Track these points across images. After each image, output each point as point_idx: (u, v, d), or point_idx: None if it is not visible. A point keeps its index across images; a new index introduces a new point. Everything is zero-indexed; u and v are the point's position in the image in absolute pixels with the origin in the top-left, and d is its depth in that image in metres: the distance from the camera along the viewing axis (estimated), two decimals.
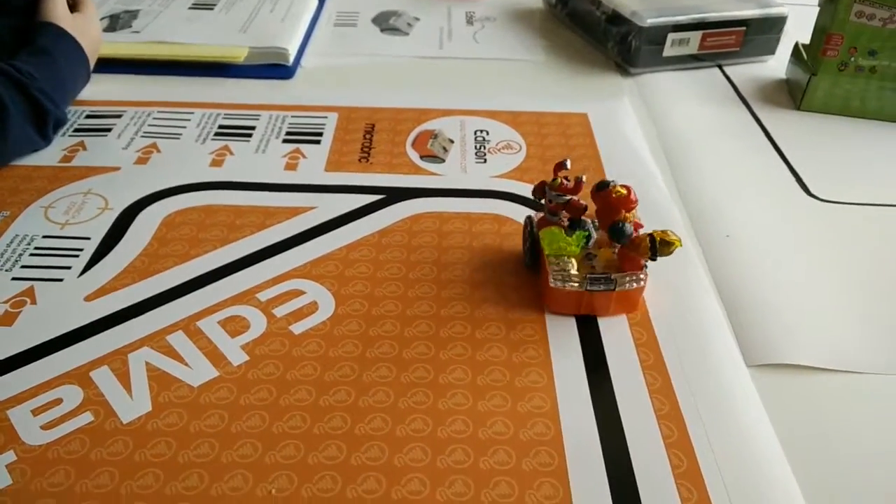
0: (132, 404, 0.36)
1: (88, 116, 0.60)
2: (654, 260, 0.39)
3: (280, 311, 0.41)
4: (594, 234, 0.43)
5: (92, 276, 0.44)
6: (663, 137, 0.61)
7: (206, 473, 0.33)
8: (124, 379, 0.37)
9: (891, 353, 0.40)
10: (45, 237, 0.47)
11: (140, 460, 0.33)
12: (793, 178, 0.56)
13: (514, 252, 0.46)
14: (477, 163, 0.56)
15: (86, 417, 0.35)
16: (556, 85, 0.68)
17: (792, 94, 0.67)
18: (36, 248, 0.46)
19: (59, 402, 0.36)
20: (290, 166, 0.55)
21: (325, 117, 0.61)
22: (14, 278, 0.43)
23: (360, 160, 0.56)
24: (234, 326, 0.40)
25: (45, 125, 0.55)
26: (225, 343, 0.39)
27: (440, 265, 0.45)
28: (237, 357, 0.39)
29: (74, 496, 0.32)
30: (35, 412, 0.35)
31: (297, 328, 0.40)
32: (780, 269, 0.46)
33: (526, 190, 0.52)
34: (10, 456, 0.33)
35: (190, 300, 0.42)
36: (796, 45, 0.68)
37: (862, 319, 0.43)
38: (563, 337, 0.40)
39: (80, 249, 0.46)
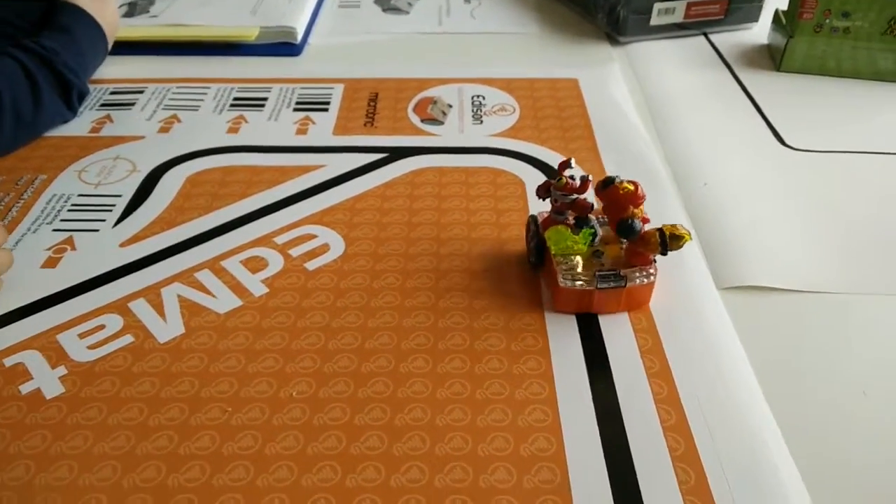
0: (167, 328, 0.40)
1: (113, 93, 0.65)
2: (664, 255, 0.39)
3: (295, 252, 0.46)
4: (599, 231, 0.42)
5: (125, 226, 0.48)
6: (650, 99, 0.65)
7: (235, 381, 0.37)
8: (159, 308, 0.42)
9: (848, 275, 0.44)
10: (80, 195, 0.51)
11: (177, 371, 0.38)
12: (769, 131, 0.59)
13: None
14: (474, 124, 0.60)
15: (127, 339, 0.40)
16: (549, 54, 0.72)
17: (772, 57, 0.71)
18: (72, 205, 0.50)
19: (102, 327, 0.40)
20: (301, 131, 0.59)
21: (332, 88, 0.65)
22: (55, 229, 0.48)
23: (364, 125, 0.60)
24: (255, 265, 0.45)
25: (70, 97, 0.60)
26: (247, 278, 0.44)
27: (440, 211, 0.49)
28: (258, 289, 0.43)
29: (120, 400, 0.36)
30: (81, 336, 0.40)
31: (311, 265, 0.45)
32: (753, 205, 0.50)
33: (520, 146, 0.57)
34: (61, 370, 0.38)
35: (214, 244, 0.47)
36: (776, 10, 0.71)
37: (824, 246, 0.47)
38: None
39: (113, 205, 0.50)
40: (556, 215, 0.42)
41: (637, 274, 0.40)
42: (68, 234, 0.48)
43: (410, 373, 0.38)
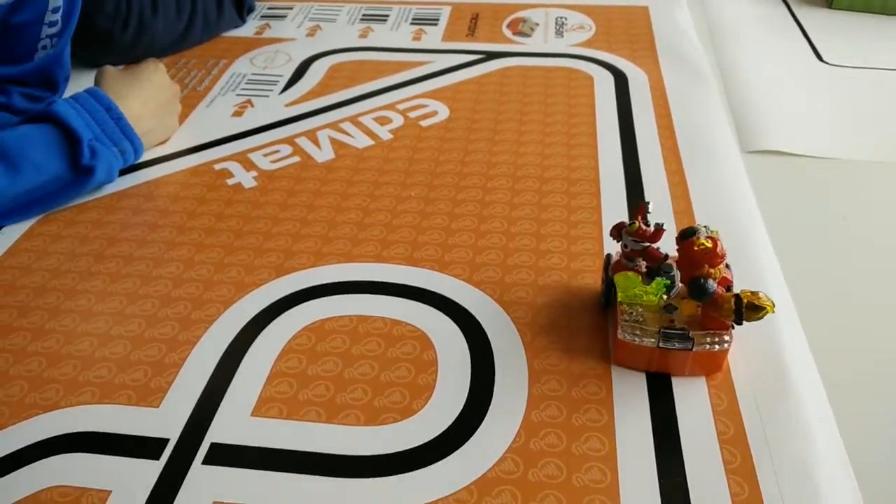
0: (322, 154, 0.57)
1: (270, 8, 0.82)
2: (738, 324, 0.34)
3: (413, 115, 0.61)
4: (677, 283, 0.37)
5: (288, 94, 0.65)
6: (711, 25, 0.76)
7: (371, 185, 0.53)
8: (316, 143, 0.58)
9: (859, 144, 0.55)
10: (252, 74, 0.69)
11: (331, 178, 0.54)
12: (811, 51, 0.70)
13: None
14: (556, 38, 0.73)
15: (295, 159, 0.56)
16: None
17: None
18: (248, 80, 0.68)
19: (277, 151, 0.57)
20: (416, 38, 0.74)
21: (441, 9, 0.80)
22: (237, 94, 0.65)
23: (466, 35, 0.74)
24: (383, 121, 0.60)
25: (242, 9, 0.77)
26: (377, 128, 0.59)
27: (523, 94, 0.63)
28: (385, 136, 0.59)
29: (294, 192, 0.53)
30: (264, 155, 0.57)
31: (424, 123, 0.60)
32: (784, 94, 0.62)
33: (592, 53, 0.70)
34: (253, 173, 0.55)
35: (352, 107, 0.63)
36: None
37: (841, 119, 0.58)
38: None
39: (277, 81, 0.67)
40: (627, 261, 0.38)
41: (708, 339, 0.35)
42: (247, 97, 0.65)
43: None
